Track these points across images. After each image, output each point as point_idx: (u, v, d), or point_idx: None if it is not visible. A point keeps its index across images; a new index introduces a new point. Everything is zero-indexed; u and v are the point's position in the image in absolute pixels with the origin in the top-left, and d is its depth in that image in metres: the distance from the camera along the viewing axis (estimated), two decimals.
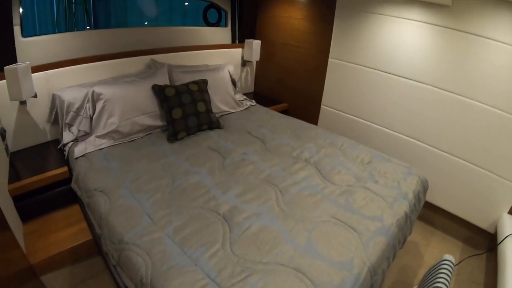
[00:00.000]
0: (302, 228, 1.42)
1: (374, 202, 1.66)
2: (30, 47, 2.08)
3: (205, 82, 2.50)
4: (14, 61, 1.97)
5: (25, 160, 2.01)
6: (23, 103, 2.02)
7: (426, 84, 2.28)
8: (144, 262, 1.21)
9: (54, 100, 2.10)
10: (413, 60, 2.30)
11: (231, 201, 1.59)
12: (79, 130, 2.08)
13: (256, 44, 3.21)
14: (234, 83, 2.97)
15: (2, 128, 1.94)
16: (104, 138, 2.08)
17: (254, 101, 3.07)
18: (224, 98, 2.72)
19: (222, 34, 3.27)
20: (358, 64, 2.66)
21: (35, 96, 2.02)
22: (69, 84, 2.19)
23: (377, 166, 2.01)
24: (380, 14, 2.42)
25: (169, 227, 1.39)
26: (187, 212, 1.49)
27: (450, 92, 2.18)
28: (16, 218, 1.77)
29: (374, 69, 2.56)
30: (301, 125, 2.56)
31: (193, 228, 1.39)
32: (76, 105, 2.08)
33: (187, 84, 2.37)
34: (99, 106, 2.09)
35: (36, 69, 2.04)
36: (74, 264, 1.80)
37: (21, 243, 1.67)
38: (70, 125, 2.10)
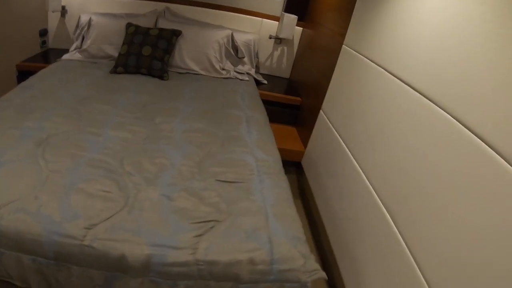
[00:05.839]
0: None
1: None
2: None
3: (175, 32, 2.57)
4: None
5: (52, 54, 2.95)
6: (63, 16, 2.91)
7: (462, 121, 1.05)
8: None
9: (79, 19, 2.87)
10: (437, 61, 1.19)
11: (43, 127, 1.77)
12: (77, 45, 2.79)
13: (289, 18, 2.76)
14: (236, 50, 2.81)
15: (45, 29, 2.92)
16: (81, 54, 2.69)
17: (263, 81, 2.87)
18: (197, 57, 2.67)
19: (275, 5, 3.01)
20: (369, 59, 1.72)
21: (63, 9, 2.85)
22: (93, 11, 2.89)
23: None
24: None
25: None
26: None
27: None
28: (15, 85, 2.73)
29: (385, 69, 1.56)
30: (245, 109, 2.22)
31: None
32: (82, 26, 2.77)
33: (149, 28, 2.55)
34: (89, 29, 2.70)
35: None
36: None
37: None
38: (76, 39, 2.84)
